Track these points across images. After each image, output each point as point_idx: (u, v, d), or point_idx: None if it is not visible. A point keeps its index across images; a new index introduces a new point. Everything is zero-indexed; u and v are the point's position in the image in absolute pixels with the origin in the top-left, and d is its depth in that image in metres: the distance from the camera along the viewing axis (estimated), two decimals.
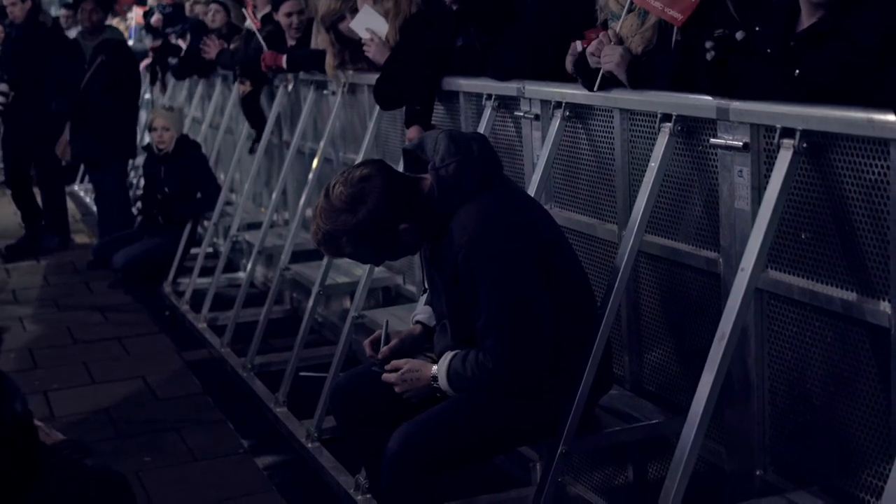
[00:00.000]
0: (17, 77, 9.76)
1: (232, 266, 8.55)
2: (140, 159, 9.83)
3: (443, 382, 3.63)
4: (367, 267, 5.51)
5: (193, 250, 8.54)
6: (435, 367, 3.67)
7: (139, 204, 8.72)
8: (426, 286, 3.91)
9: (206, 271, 8.14)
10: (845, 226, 3.07)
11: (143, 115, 10.38)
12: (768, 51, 3.31)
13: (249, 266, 7.22)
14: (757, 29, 3.37)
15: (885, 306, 2.95)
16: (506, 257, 3.46)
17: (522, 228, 3.53)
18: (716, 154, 3.53)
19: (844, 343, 3.13)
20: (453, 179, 3.54)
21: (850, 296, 3.07)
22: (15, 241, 10.36)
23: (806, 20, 3.31)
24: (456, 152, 3.58)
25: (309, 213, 6.55)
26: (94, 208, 10.33)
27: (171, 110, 8.62)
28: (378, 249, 3.65)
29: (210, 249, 8.59)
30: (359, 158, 6.01)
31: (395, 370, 3.75)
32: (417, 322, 3.99)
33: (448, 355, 3.65)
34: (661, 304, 3.95)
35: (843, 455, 3.17)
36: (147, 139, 8.86)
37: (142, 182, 8.93)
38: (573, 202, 4.40)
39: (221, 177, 8.84)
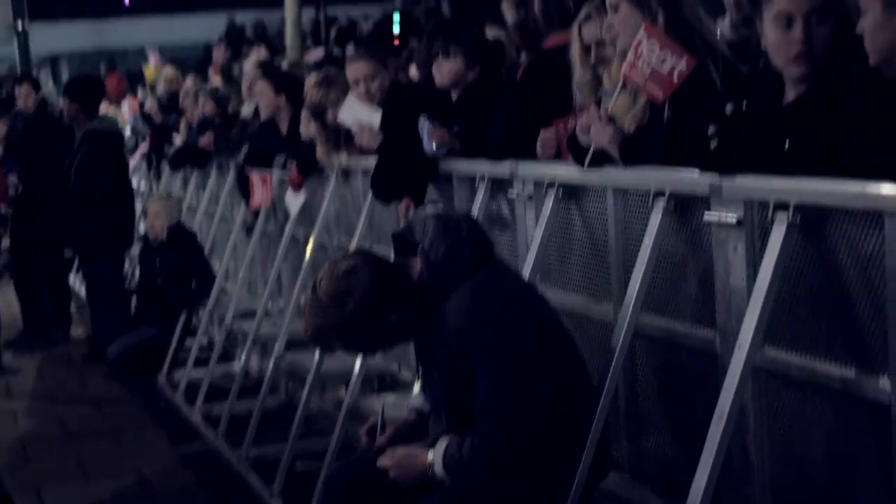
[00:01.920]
0: (25, 168, 9.80)
1: (227, 356, 8.45)
2: (136, 250, 9.79)
3: (438, 468, 3.55)
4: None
5: (189, 341, 8.46)
6: (431, 453, 3.60)
7: (134, 296, 8.67)
8: (419, 374, 3.85)
9: (201, 362, 8.05)
10: (842, 300, 3.03)
11: (140, 205, 10.37)
12: (757, 125, 3.31)
13: (244, 355, 7.15)
14: (744, 105, 3.36)
15: (884, 382, 2.89)
16: (501, 330, 3.41)
17: (516, 304, 3.50)
18: (710, 230, 3.49)
19: (845, 421, 3.06)
20: (443, 263, 3.51)
21: (849, 372, 3.01)
22: (15, 335, 10.28)
23: (791, 93, 3.31)
24: (445, 234, 3.54)
25: (304, 300, 6.51)
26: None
27: (167, 198, 8.62)
28: (369, 341, 3.63)
29: (205, 340, 8.52)
30: (353, 244, 5.98)
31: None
32: (413, 409, 3.93)
33: (444, 440, 3.58)
34: (659, 385, 3.89)
35: None
36: (143, 228, 8.85)
37: (137, 272, 8.88)
38: (568, 283, 4.35)
39: (216, 265, 8.80)
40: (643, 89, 3.81)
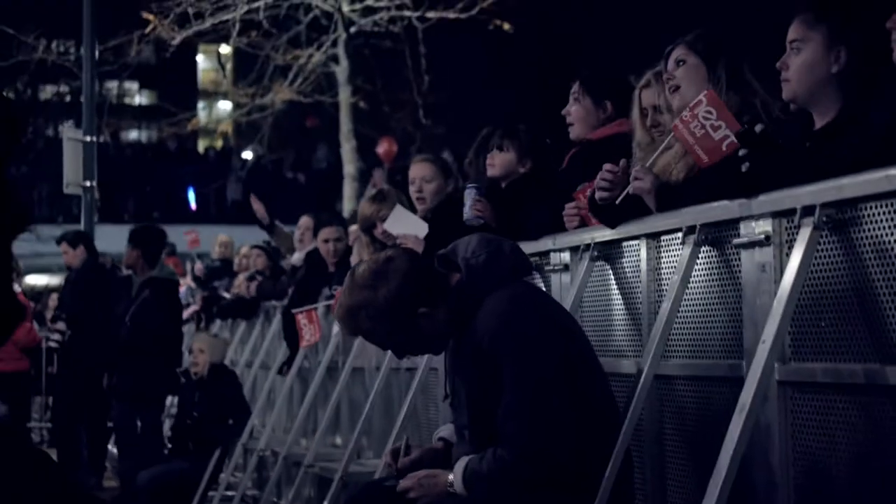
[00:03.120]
0: (74, 317, 10.04)
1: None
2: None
3: (458, 485, 3.54)
4: None
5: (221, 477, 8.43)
6: (452, 473, 3.59)
7: (169, 430, 8.71)
8: (447, 393, 3.87)
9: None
10: (866, 298, 3.06)
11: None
12: (786, 150, 3.43)
13: (275, 473, 7.11)
14: (773, 129, 3.50)
15: None
16: (532, 340, 3.46)
17: (551, 319, 3.56)
18: (739, 258, 3.55)
19: (868, 413, 3.05)
20: (483, 269, 3.59)
21: (874, 365, 3.02)
22: None
23: (818, 123, 3.45)
24: (487, 246, 3.64)
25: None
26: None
27: (214, 336, 8.77)
28: (395, 332, 3.63)
29: (235, 476, 8.49)
30: (386, 357, 6.02)
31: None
32: (440, 439, 3.93)
33: (464, 459, 3.58)
34: (687, 423, 3.86)
35: None
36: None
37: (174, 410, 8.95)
38: (604, 347, 4.36)
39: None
40: (690, 149, 3.88)
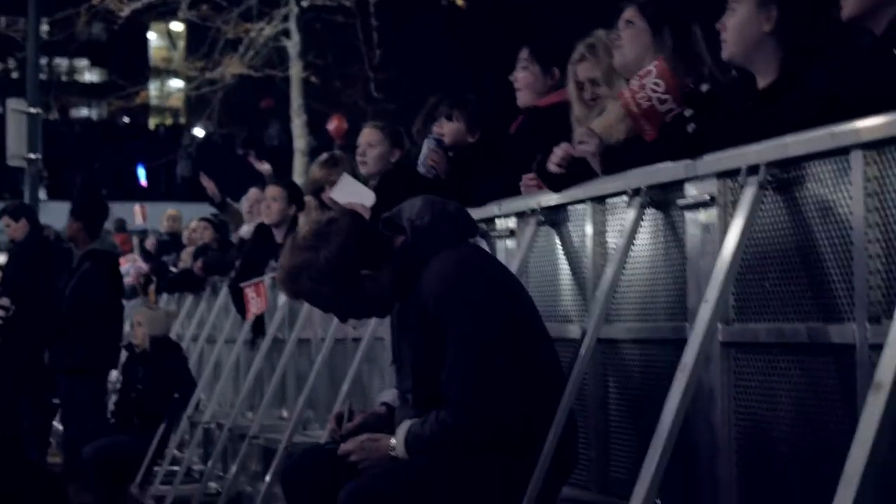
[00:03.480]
0: (17, 290, 9.87)
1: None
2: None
3: (400, 449, 3.50)
4: None
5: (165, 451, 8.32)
6: (394, 439, 3.55)
7: (113, 405, 8.61)
8: (393, 357, 3.81)
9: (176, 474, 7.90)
10: (810, 258, 3.05)
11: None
12: (731, 110, 3.41)
13: (220, 444, 7.04)
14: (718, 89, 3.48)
15: (849, 326, 2.89)
16: (478, 303, 3.42)
17: (494, 280, 3.52)
18: (684, 220, 3.53)
19: (811, 372, 3.04)
20: (427, 230, 3.53)
21: (816, 324, 3.01)
22: None
23: (761, 83, 3.43)
24: (432, 208, 3.59)
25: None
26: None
27: (154, 309, 8.65)
28: (337, 294, 3.56)
29: (181, 451, 8.40)
30: (332, 325, 5.96)
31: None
32: (383, 403, 3.88)
33: (406, 422, 3.54)
34: (631, 393, 3.85)
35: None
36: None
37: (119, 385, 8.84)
38: (550, 312, 4.33)
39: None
40: (635, 121, 3.84)
